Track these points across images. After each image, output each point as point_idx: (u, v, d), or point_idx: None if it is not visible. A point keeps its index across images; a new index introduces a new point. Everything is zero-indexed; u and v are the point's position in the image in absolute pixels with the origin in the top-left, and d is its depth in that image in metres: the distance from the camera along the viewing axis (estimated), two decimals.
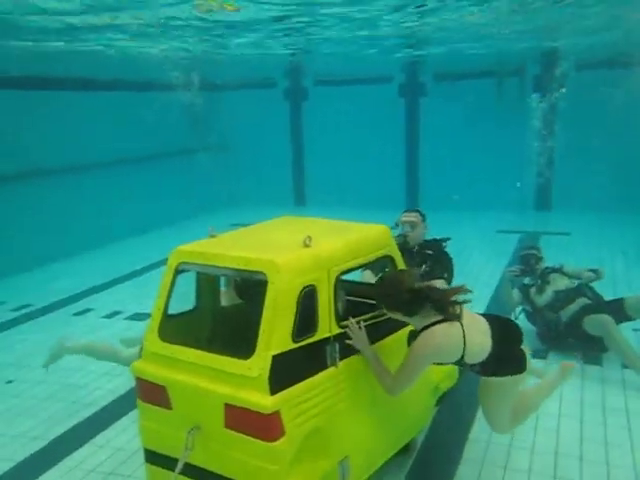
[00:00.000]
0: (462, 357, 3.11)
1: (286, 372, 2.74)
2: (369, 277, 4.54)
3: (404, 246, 4.92)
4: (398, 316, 3.11)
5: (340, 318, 3.06)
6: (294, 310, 2.78)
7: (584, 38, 10.11)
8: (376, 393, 3.22)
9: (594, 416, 4.41)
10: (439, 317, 3.04)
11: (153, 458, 3.18)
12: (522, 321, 5.71)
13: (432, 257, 4.68)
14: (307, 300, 2.85)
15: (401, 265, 3.57)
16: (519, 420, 3.66)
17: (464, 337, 3.06)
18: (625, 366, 5.05)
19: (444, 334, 3.04)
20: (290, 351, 2.76)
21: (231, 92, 13.88)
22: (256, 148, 13.80)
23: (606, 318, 5.06)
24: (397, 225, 5.07)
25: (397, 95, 12.95)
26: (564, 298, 5.48)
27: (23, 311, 7.34)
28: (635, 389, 4.77)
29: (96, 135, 10.28)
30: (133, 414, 4.47)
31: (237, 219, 10.94)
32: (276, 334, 2.71)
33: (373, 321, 3.21)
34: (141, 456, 3.29)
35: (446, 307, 3.04)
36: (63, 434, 4.44)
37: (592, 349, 5.31)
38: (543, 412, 4.30)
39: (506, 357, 3.24)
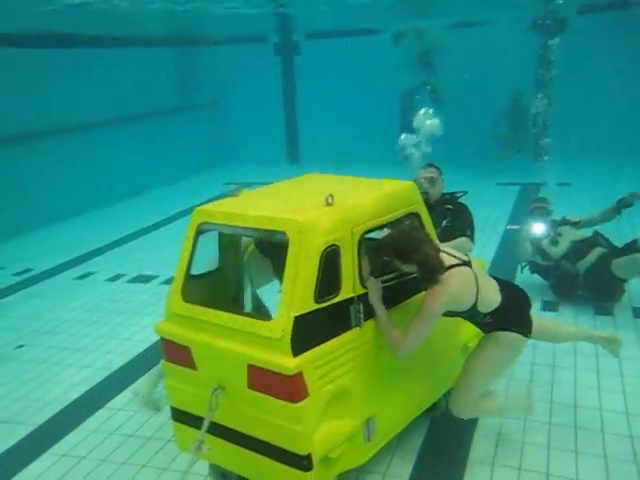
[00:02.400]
0: (475, 304, 3.08)
1: (309, 333, 2.70)
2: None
3: (426, 204, 4.82)
4: (410, 268, 2.97)
5: (364, 278, 2.99)
6: (316, 270, 2.71)
7: None
8: None
9: (610, 367, 4.38)
10: (447, 264, 2.99)
11: (179, 416, 3.21)
12: (526, 275, 5.77)
13: (451, 212, 4.57)
14: (330, 260, 2.78)
15: (428, 222, 3.46)
16: (479, 412, 3.49)
17: (477, 281, 3.06)
18: (637, 315, 5.13)
19: (460, 276, 3.02)
20: (313, 312, 2.71)
21: (220, 47, 13.56)
22: (248, 104, 13.47)
23: (639, 257, 5.03)
24: (416, 182, 4.95)
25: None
26: (582, 249, 5.42)
27: (24, 276, 7.36)
28: None
29: (86, 96, 10.11)
30: None
31: (230, 178, 10.96)
32: (298, 295, 2.66)
33: (397, 280, 3.13)
34: None
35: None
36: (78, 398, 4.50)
37: (605, 299, 5.35)
38: (559, 365, 4.35)
39: (515, 313, 3.26)
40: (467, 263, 3.11)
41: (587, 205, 7.10)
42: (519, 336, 3.24)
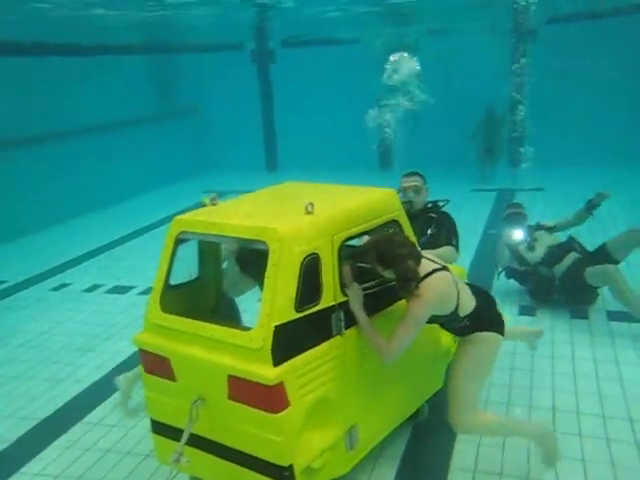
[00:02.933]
0: (456, 309, 3.09)
1: (289, 342, 2.68)
2: None
3: (409, 213, 4.78)
4: (388, 273, 2.95)
5: (347, 285, 2.98)
6: (296, 279, 2.70)
7: None
8: None
9: (586, 370, 4.45)
10: (430, 269, 2.99)
11: (159, 428, 3.16)
12: (502, 280, 5.84)
13: (435, 220, 4.56)
14: (310, 269, 2.77)
15: (409, 230, 3.46)
16: (483, 432, 3.42)
17: (456, 285, 3.09)
18: (611, 318, 5.23)
19: (444, 280, 3.03)
20: (293, 321, 2.69)
21: (199, 55, 13.57)
22: (226, 112, 13.49)
23: (610, 268, 5.09)
24: (399, 191, 4.92)
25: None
26: (558, 254, 5.49)
27: None
28: (622, 340, 4.87)
29: (65, 104, 10.01)
30: None
31: (210, 185, 10.88)
32: (278, 304, 2.64)
33: (378, 288, 3.12)
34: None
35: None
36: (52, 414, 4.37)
37: (579, 303, 5.45)
38: (538, 370, 4.40)
39: (489, 313, 3.30)
40: (446, 268, 3.13)
41: (560, 210, 7.17)
42: (495, 334, 3.26)
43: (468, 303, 3.18)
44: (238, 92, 13.35)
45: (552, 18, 11.20)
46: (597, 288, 5.34)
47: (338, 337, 2.92)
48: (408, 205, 4.77)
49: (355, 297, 2.96)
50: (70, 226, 9.82)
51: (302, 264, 2.72)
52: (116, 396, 4.35)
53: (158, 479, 3.48)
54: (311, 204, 2.87)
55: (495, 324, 3.29)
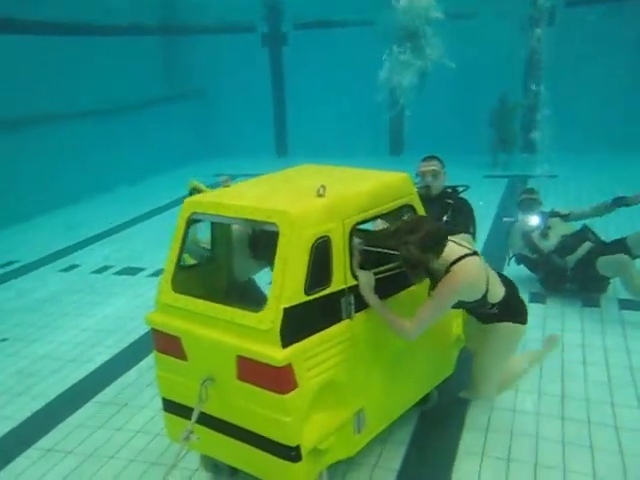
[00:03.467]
0: (485, 294, 3.12)
1: (298, 325, 2.69)
2: (378, 224, 4.41)
3: (427, 197, 4.72)
4: (419, 259, 2.91)
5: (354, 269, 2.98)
6: (306, 262, 2.70)
7: None
8: (396, 345, 3.17)
9: (597, 358, 4.44)
10: (462, 253, 3.01)
11: (170, 407, 3.20)
12: (512, 266, 5.77)
13: (452, 206, 4.49)
14: (320, 252, 2.77)
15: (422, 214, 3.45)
16: (504, 386, 3.71)
17: (486, 271, 3.13)
18: (623, 307, 5.19)
19: (476, 265, 3.06)
20: (302, 304, 2.70)
21: (209, 37, 13.43)
22: (237, 95, 13.39)
23: (624, 258, 5.03)
24: (417, 175, 4.87)
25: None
26: (572, 243, 5.40)
27: (9, 268, 7.26)
28: (634, 328, 4.85)
29: (72, 85, 9.92)
30: None
31: (220, 169, 10.80)
32: (288, 286, 2.65)
33: (390, 273, 3.12)
34: None
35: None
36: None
37: (591, 291, 5.40)
38: (548, 357, 4.34)
39: (517, 303, 3.37)
40: (476, 253, 3.13)
41: (572, 197, 7.09)
42: (519, 325, 3.34)
43: (497, 290, 3.21)
44: (249, 75, 13.26)
45: (571, 2, 11.01)
46: (609, 278, 5.27)
47: (347, 320, 2.92)
48: (425, 189, 4.72)
49: (365, 281, 2.96)
50: (79, 208, 9.87)
51: (312, 247, 2.73)
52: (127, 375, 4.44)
53: (168, 457, 3.53)
54: (323, 187, 2.87)
55: (521, 314, 3.38)
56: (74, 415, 4.11)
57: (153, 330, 3.13)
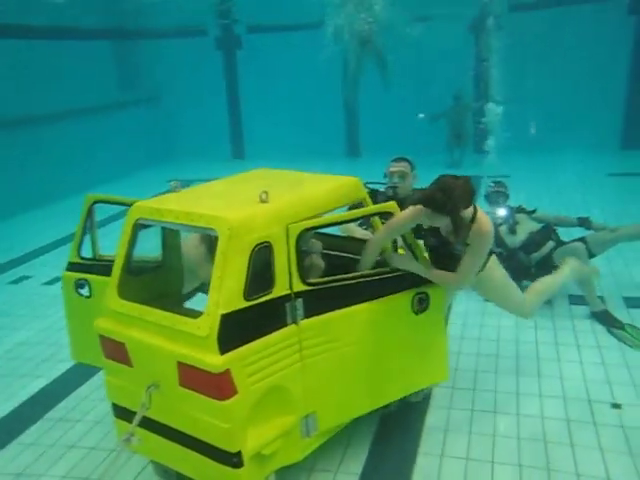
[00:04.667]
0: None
1: (237, 331, 2.69)
2: (352, 230, 4.41)
3: (394, 198, 4.73)
4: (452, 215, 3.06)
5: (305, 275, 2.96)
6: (245, 268, 2.70)
7: None
8: (357, 349, 3.13)
9: (549, 353, 4.56)
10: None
11: (119, 412, 3.20)
12: None
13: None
14: (261, 257, 2.77)
15: (375, 220, 3.45)
16: (542, 298, 4.13)
17: None
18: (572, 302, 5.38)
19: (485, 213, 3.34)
20: (242, 309, 2.70)
21: (161, 41, 13.40)
22: (191, 99, 13.39)
23: (578, 245, 5.14)
24: (385, 176, 4.89)
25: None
26: (538, 241, 5.41)
27: None
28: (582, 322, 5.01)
29: (22, 89, 9.68)
30: None
31: (175, 174, 10.60)
32: (226, 292, 2.65)
33: (355, 281, 3.10)
34: None
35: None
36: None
37: None
38: (502, 355, 4.48)
39: None
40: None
41: (525, 196, 7.16)
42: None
43: None
44: (203, 78, 13.27)
45: (516, 5, 11.28)
46: None
47: (293, 325, 2.92)
48: (392, 190, 4.76)
49: (398, 260, 3.27)
50: (29, 217, 9.49)
51: (252, 253, 2.72)
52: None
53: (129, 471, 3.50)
54: (265, 192, 2.87)
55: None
56: (26, 432, 3.97)
57: (100, 336, 3.12)
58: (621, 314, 5.00)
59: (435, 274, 3.27)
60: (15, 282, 6.90)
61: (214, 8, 12.61)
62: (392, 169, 4.76)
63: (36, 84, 10.00)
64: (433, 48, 10.97)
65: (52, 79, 10.38)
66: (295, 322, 2.93)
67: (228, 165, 11.64)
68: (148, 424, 2.99)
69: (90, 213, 3.65)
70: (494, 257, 3.73)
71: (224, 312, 2.64)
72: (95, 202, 3.63)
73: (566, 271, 4.43)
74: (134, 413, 3.02)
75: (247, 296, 2.72)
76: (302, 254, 3.03)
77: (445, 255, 3.38)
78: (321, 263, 3.44)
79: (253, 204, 2.85)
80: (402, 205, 4.19)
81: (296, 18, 12.39)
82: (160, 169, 12.49)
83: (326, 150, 11.98)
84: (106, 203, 3.64)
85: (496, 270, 3.74)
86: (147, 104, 13.49)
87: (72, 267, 3.72)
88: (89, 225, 3.67)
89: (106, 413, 3.88)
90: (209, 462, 2.82)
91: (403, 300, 3.26)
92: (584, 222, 5.44)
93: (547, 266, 5.22)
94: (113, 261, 3.52)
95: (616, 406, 3.82)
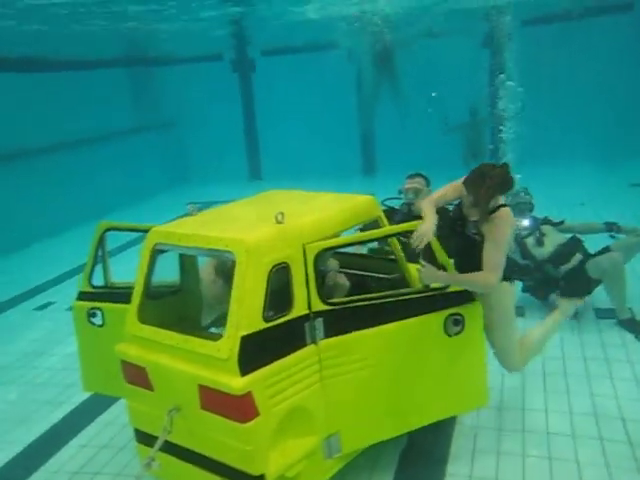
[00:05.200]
0: None
1: (258, 352, 2.69)
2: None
3: (409, 216, 4.72)
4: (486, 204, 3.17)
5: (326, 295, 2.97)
6: (264, 289, 2.71)
7: None
8: (382, 369, 3.07)
9: (577, 369, 4.48)
10: (501, 201, 3.27)
11: (141, 437, 3.21)
12: None
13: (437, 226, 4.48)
14: (279, 278, 2.78)
15: (394, 241, 3.46)
16: (529, 355, 3.80)
17: None
18: (600, 317, 5.28)
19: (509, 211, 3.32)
20: (261, 331, 2.71)
21: (177, 67, 13.70)
22: (207, 122, 13.57)
23: (615, 255, 5.01)
24: (400, 193, 4.90)
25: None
26: (566, 253, 5.27)
27: None
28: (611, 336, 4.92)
29: (43, 120, 9.90)
30: None
31: (193, 197, 10.67)
32: (245, 314, 2.66)
33: (381, 301, 3.07)
34: None
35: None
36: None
37: (572, 296, 5.18)
38: (529, 370, 4.32)
39: None
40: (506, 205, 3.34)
41: (541, 209, 7.07)
42: (504, 284, 3.38)
43: None
44: (219, 102, 13.43)
45: (528, 21, 11.33)
46: (598, 284, 5.15)
47: (313, 345, 2.92)
48: (408, 208, 4.76)
49: (428, 276, 3.15)
50: (47, 244, 9.57)
51: (270, 274, 2.74)
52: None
53: None
54: (281, 213, 2.89)
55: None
56: (51, 460, 3.96)
57: (122, 361, 3.14)
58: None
59: (464, 278, 3.17)
60: (40, 309, 6.96)
61: (229, 33, 12.83)
62: (406, 186, 4.78)
63: (54, 113, 10.27)
64: (446, 64, 11.01)
65: (73, 108, 10.64)
66: (314, 342, 2.93)
67: (246, 186, 11.69)
68: (170, 448, 3.00)
69: (102, 241, 3.68)
70: (511, 284, 3.54)
71: (244, 334, 2.65)
72: (107, 230, 3.66)
73: (558, 318, 4.14)
74: (156, 438, 3.03)
75: (266, 317, 2.73)
76: (321, 274, 3.03)
77: (462, 247, 3.38)
78: (345, 282, 3.44)
79: (269, 225, 2.87)
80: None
81: (309, 39, 12.62)
82: (178, 193, 12.61)
83: (342, 168, 12.02)
84: (119, 230, 3.66)
85: (507, 297, 3.52)
86: (163, 129, 13.71)
87: (83, 296, 3.72)
88: (101, 253, 3.69)
89: (130, 439, 3.82)
90: None
91: (433, 322, 3.14)
92: (612, 227, 5.32)
93: (576, 279, 5.14)
94: (126, 288, 3.59)
95: None
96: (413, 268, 3.66)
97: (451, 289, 3.17)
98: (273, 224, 2.88)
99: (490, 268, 3.13)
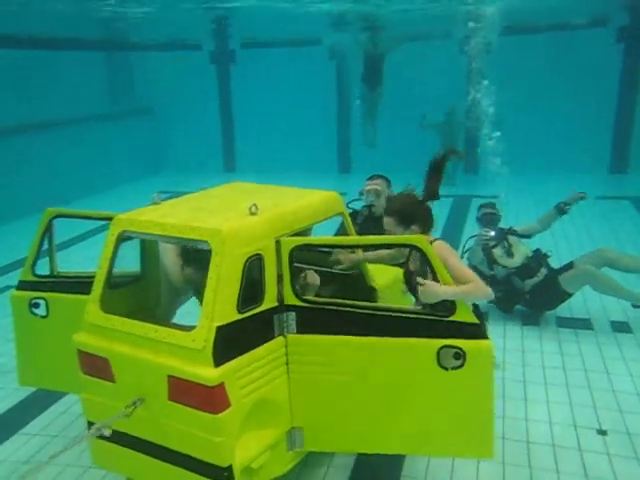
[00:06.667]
0: None
1: (231, 343, 2.68)
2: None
3: (370, 217, 4.76)
4: (407, 232, 3.21)
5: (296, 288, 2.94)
6: (239, 280, 2.71)
7: None
8: (354, 381, 2.91)
9: (535, 377, 4.56)
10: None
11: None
12: None
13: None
14: (253, 270, 2.78)
15: (352, 233, 3.53)
16: None
17: None
18: (560, 325, 5.38)
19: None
20: (235, 322, 2.70)
21: (154, 54, 13.44)
22: (183, 112, 13.45)
23: (590, 267, 5.18)
24: (361, 194, 4.88)
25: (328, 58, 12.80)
26: (533, 267, 5.39)
27: None
28: (570, 345, 5.05)
29: (15, 99, 9.71)
30: None
31: (166, 186, 10.66)
32: (220, 305, 2.64)
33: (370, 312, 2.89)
34: None
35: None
36: None
37: (542, 310, 5.51)
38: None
39: None
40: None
41: (515, 217, 7.22)
42: None
43: None
44: (196, 92, 13.26)
45: (508, 29, 11.49)
46: (571, 295, 5.33)
47: (281, 338, 2.93)
48: (368, 210, 4.78)
49: (427, 294, 2.82)
50: (15, 228, 9.15)
51: (245, 265, 2.73)
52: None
53: None
54: (255, 205, 2.89)
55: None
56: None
57: (79, 352, 3.03)
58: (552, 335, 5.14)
59: (466, 289, 2.83)
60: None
61: (209, 23, 12.57)
62: (367, 188, 4.77)
63: (31, 93, 9.98)
64: (425, 67, 11.21)
65: (45, 88, 10.33)
66: (283, 334, 2.94)
67: (220, 178, 11.55)
68: (130, 442, 2.93)
69: (49, 228, 3.52)
70: None
71: (219, 324, 2.63)
72: (55, 216, 3.51)
73: None
74: (114, 432, 2.94)
75: (240, 309, 2.72)
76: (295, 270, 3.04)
77: None
78: (316, 280, 3.43)
79: (244, 216, 2.86)
80: (378, 223, 4.25)
81: (291, 34, 12.59)
82: (151, 181, 12.28)
83: (318, 165, 12.04)
84: (68, 217, 3.51)
85: None
86: (140, 116, 13.35)
87: (25, 285, 3.54)
88: (48, 241, 3.54)
89: (83, 429, 3.65)
90: (198, 478, 2.78)
91: (422, 348, 2.78)
92: (560, 206, 5.50)
93: (545, 290, 5.30)
94: (74, 278, 3.47)
95: None
96: (376, 267, 3.78)
97: (455, 318, 2.75)
98: (246, 215, 2.87)
99: (474, 278, 2.93)
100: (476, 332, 2.75)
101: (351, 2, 10.94)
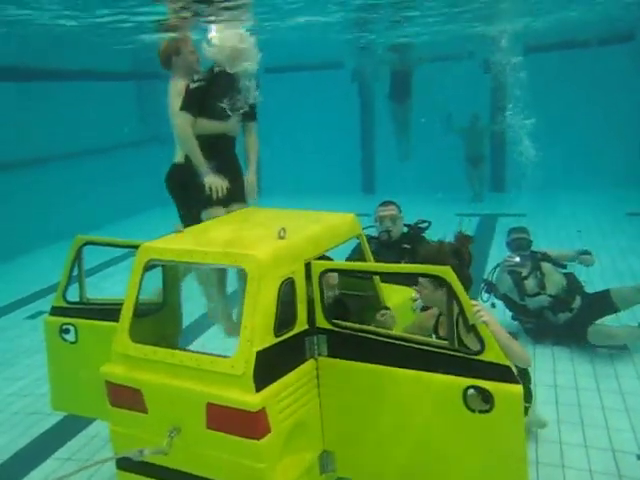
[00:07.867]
0: None
1: (269, 367, 2.68)
2: None
3: (384, 243, 4.72)
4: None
5: (330, 312, 2.95)
6: (275, 304, 2.72)
7: None
8: (381, 411, 2.84)
9: (569, 398, 4.42)
10: None
11: (126, 464, 3.03)
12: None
13: (409, 252, 4.45)
14: (286, 293, 2.80)
15: (369, 255, 3.60)
16: None
17: None
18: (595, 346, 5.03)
19: None
20: (272, 346, 2.70)
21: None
22: None
23: (614, 331, 4.99)
24: (376, 221, 4.85)
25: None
26: (567, 299, 5.14)
27: None
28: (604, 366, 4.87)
29: (51, 130, 9.85)
30: None
31: None
32: (259, 329, 2.65)
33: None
34: None
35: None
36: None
37: (577, 340, 5.18)
38: None
39: None
40: None
41: (543, 236, 6.89)
42: None
43: None
44: None
45: (531, 48, 11.42)
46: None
47: (312, 360, 2.94)
48: (386, 235, 4.75)
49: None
50: (47, 253, 9.04)
51: (280, 289, 2.75)
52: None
53: None
54: (283, 229, 2.91)
55: None
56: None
57: (108, 383, 2.98)
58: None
59: (507, 336, 2.82)
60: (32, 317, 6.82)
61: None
62: (382, 213, 4.75)
63: (58, 124, 10.13)
64: (450, 87, 10.93)
65: (75, 120, 10.48)
66: (314, 357, 2.95)
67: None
68: (166, 474, 2.88)
69: (79, 255, 3.53)
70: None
71: (258, 349, 2.63)
72: (85, 244, 3.51)
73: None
74: (143, 463, 2.90)
75: (277, 332, 2.73)
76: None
77: None
78: (335, 279, 3.46)
79: (274, 241, 2.88)
80: (388, 251, 4.29)
81: (313, 58, 12.61)
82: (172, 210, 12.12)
83: (341, 187, 12.05)
84: (98, 245, 3.52)
85: None
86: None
87: (56, 311, 3.57)
88: (77, 268, 3.54)
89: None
90: None
91: (448, 385, 2.62)
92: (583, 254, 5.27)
93: (577, 328, 5.03)
94: (102, 305, 3.46)
95: None
96: (387, 287, 3.83)
97: (484, 357, 2.57)
98: (275, 239, 2.89)
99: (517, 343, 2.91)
100: (504, 374, 2.54)
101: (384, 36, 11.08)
